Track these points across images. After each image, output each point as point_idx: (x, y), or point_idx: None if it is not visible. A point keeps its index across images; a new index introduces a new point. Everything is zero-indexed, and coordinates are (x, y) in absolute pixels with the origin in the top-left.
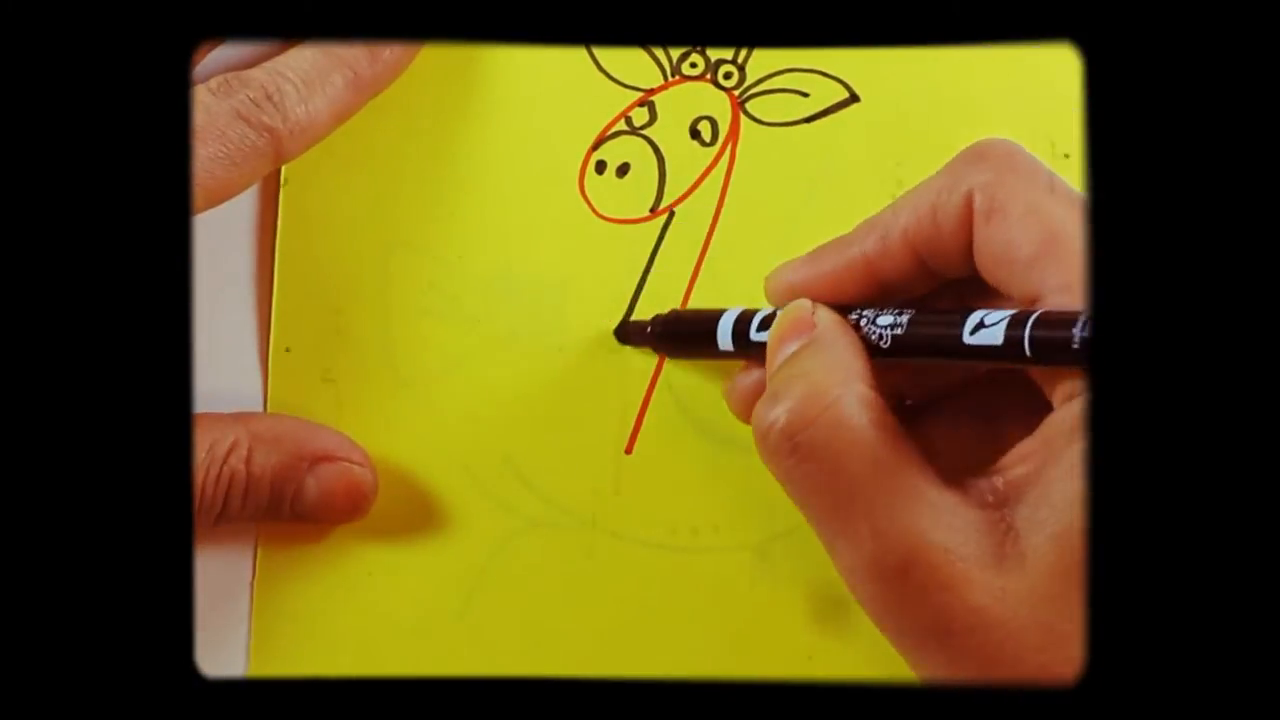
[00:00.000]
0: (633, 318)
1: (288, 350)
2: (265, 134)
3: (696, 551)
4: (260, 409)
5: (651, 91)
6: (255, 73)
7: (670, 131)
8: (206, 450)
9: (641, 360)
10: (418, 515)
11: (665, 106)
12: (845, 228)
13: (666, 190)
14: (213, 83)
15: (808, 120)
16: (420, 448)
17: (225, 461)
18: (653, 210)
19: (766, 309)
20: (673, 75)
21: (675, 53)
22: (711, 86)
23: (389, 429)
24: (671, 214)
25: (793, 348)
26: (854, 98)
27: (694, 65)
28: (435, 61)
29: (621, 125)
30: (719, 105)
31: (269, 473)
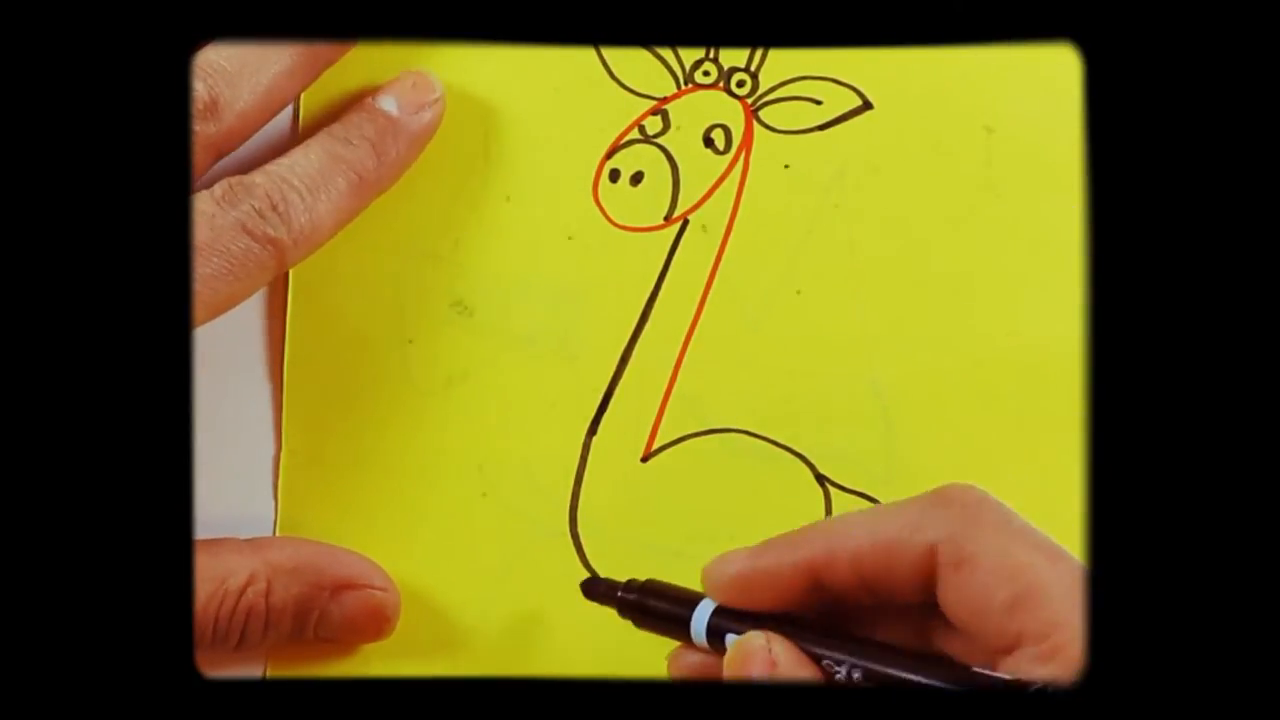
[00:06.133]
0: (597, 583)
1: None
2: (269, 246)
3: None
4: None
5: (665, 100)
6: (259, 179)
7: (684, 140)
8: (220, 583)
9: (656, 367)
10: (434, 525)
11: (679, 115)
12: (858, 235)
13: (680, 198)
14: (216, 190)
15: (821, 128)
16: (437, 455)
17: (242, 595)
18: (667, 218)
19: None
20: (686, 83)
21: (688, 61)
22: (725, 94)
23: (406, 437)
24: (685, 222)
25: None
26: (867, 105)
27: (707, 73)
28: (448, 71)
29: (635, 134)
30: (732, 113)
31: (290, 604)
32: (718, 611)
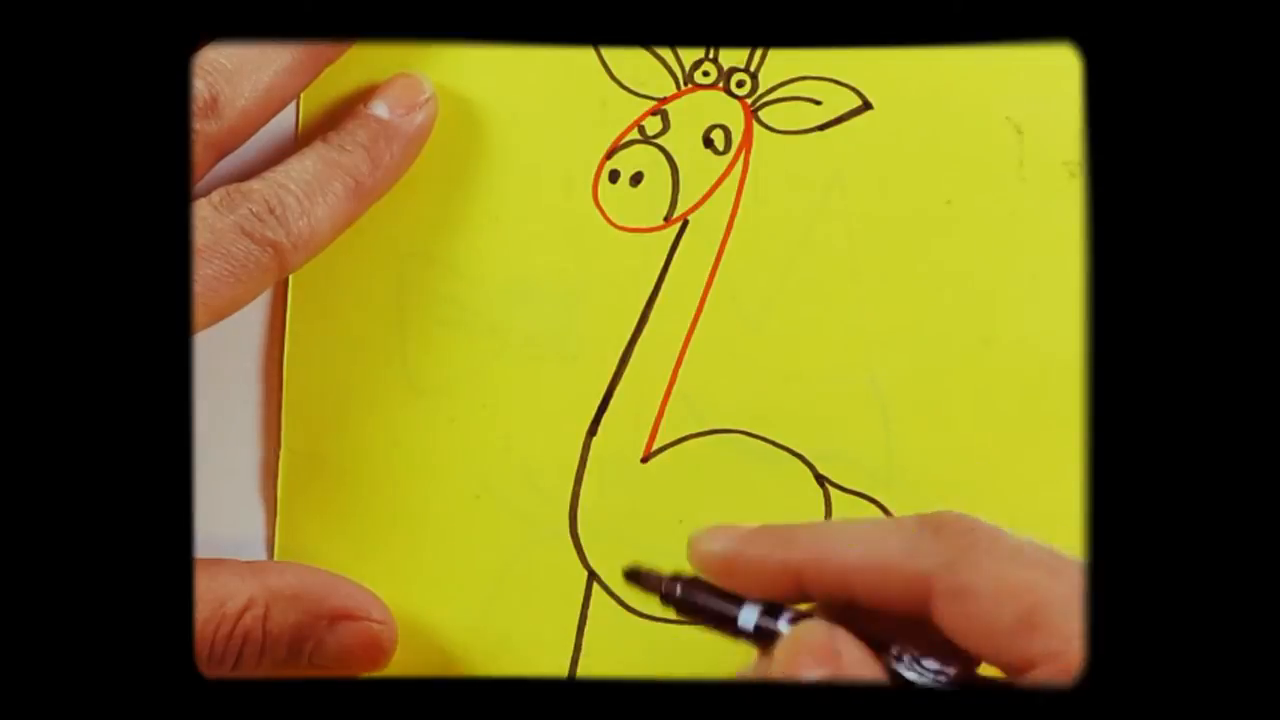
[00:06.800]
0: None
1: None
2: (269, 249)
3: None
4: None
5: (664, 100)
6: (256, 185)
7: (683, 140)
8: (218, 606)
9: (656, 368)
10: (434, 526)
11: (678, 115)
12: (858, 235)
13: (680, 199)
14: (214, 196)
15: (821, 128)
16: (436, 457)
17: (239, 619)
18: (666, 219)
19: (794, 608)
20: (685, 84)
21: (688, 61)
22: (724, 95)
23: (405, 439)
24: (685, 223)
25: (813, 677)
26: (866, 105)
27: (706, 74)
28: (448, 71)
29: (635, 134)
30: (732, 113)
31: (287, 631)
32: (768, 609)
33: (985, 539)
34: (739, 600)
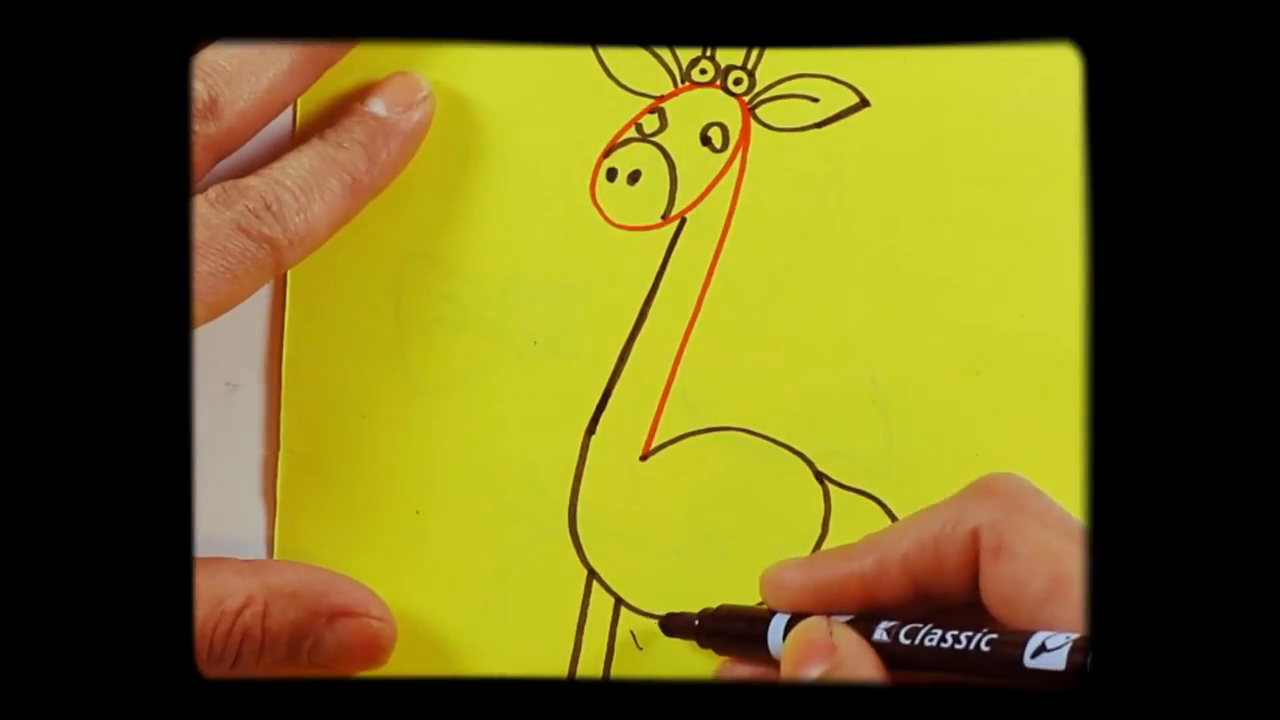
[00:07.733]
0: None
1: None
2: (265, 245)
3: (712, 559)
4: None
5: (662, 98)
6: (253, 181)
7: (681, 138)
8: (217, 604)
9: (654, 366)
10: (433, 525)
11: (676, 113)
12: (856, 233)
13: (678, 197)
14: (211, 193)
15: (818, 125)
16: (436, 456)
17: (238, 617)
18: (664, 217)
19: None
20: (683, 82)
21: (685, 59)
22: (721, 92)
23: (404, 438)
24: (683, 221)
25: (813, 673)
26: (864, 102)
27: (704, 71)
28: (446, 70)
29: (632, 132)
30: (729, 111)
31: (286, 629)
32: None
33: (1033, 502)
34: (765, 622)
